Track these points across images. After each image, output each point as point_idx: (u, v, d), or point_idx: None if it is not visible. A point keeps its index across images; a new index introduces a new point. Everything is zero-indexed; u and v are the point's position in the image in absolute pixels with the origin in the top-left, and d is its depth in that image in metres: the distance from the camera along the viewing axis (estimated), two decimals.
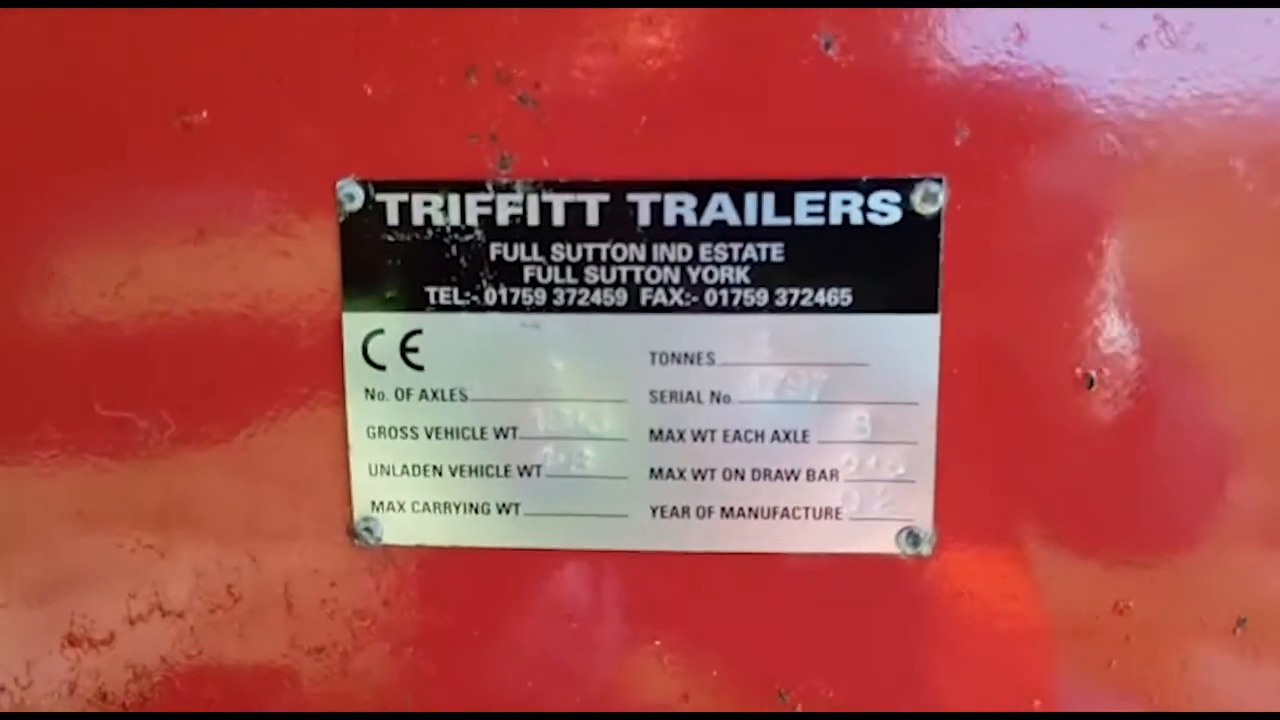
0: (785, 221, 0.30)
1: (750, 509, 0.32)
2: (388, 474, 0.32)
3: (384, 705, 0.34)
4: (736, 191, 0.30)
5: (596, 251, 0.30)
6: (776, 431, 0.31)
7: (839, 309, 0.30)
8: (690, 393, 0.31)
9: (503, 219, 0.31)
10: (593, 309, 0.31)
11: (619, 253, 0.30)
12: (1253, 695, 0.32)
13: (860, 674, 0.32)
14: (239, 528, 0.33)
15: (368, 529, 0.32)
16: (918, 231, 0.29)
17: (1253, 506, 0.31)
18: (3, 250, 0.32)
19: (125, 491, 0.33)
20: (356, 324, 0.31)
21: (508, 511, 0.32)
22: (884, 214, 0.30)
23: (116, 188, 0.31)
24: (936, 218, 0.29)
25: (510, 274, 0.31)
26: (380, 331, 0.31)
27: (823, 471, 0.31)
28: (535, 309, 0.31)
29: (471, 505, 0.32)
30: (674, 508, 0.32)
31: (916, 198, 0.29)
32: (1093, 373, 0.30)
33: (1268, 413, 0.30)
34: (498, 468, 0.32)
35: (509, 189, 0.30)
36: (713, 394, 0.31)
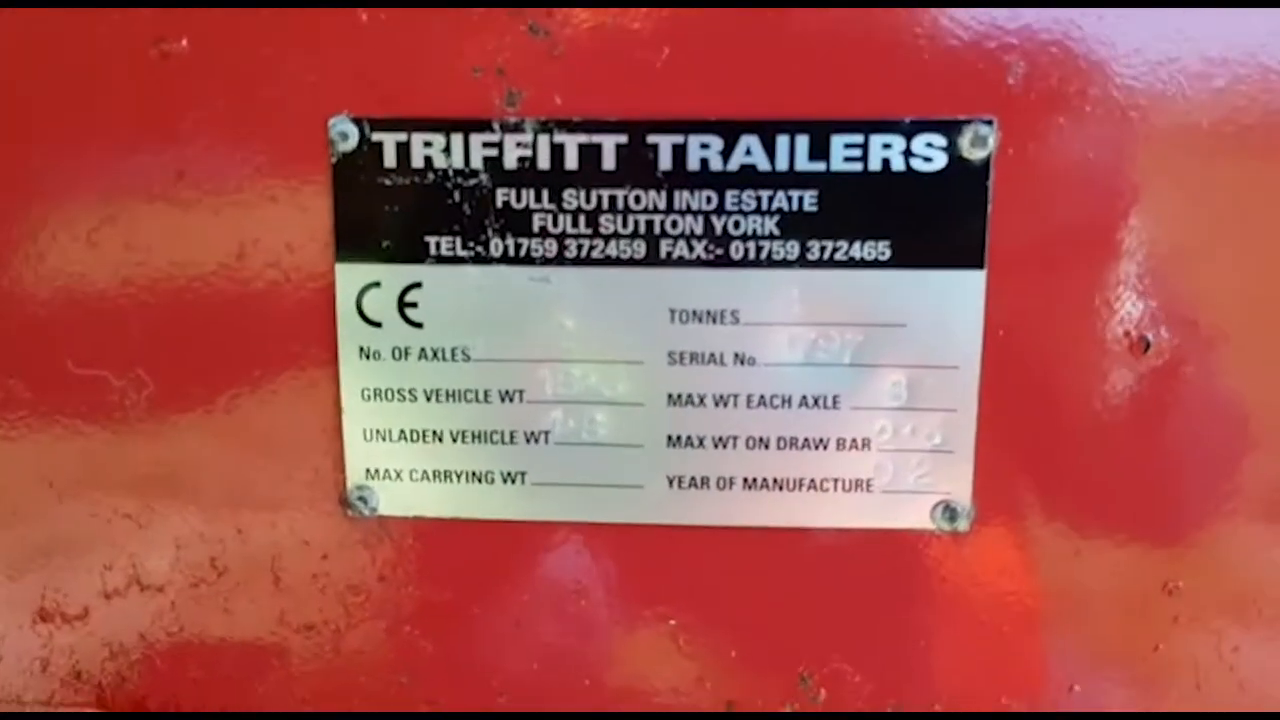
0: (820, 167, 0.27)
1: (775, 480, 0.29)
2: (384, 439, 0.30)
3: (379, 686, 0.32)
4: (767, 133, 0.27)
5: (612, 198, 0.28)
6: (805, 397, 0.29)
7: (876, 264, 0.28)
8: (712, 354, 0.29)
9: (510, 162, 0.28)
10: (607, 262, 0.28)
11: (637, 200, 0.28)
12: None
13: (888, 657, 0.30)
14: (223, 496, 0.31)
15: (362, 498, 0.30)
16: (965, 179, 0.27)
17: None
18: None
19: (100, 456, 0.31)
20: (350, 276, 0.29)
21: (513, 481, 0.30)
22: (928, 159, 0.27)
23: (87, 125, 0.29)
24: (986, 164, 0.27)
25: (518, 223, 0.28)
26: (376, 285, 0.29)
27: (854, 440, 0.29)
28: (545, 261, 0.28)
29: (474, 474, 0.30)
30: (692, 478, 0.29)
31: (964, 141, 0.27)
32: (1149, 335, 0.28)
33: None
34: (502, 433, 0.30)
35: (517, 128, 0.28)
36: (737, 355, 0.29)
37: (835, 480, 0.29)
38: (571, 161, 0.28)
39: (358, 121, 0.28)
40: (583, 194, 0.28)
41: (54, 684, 0.33)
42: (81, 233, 0.29)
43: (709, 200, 0.28)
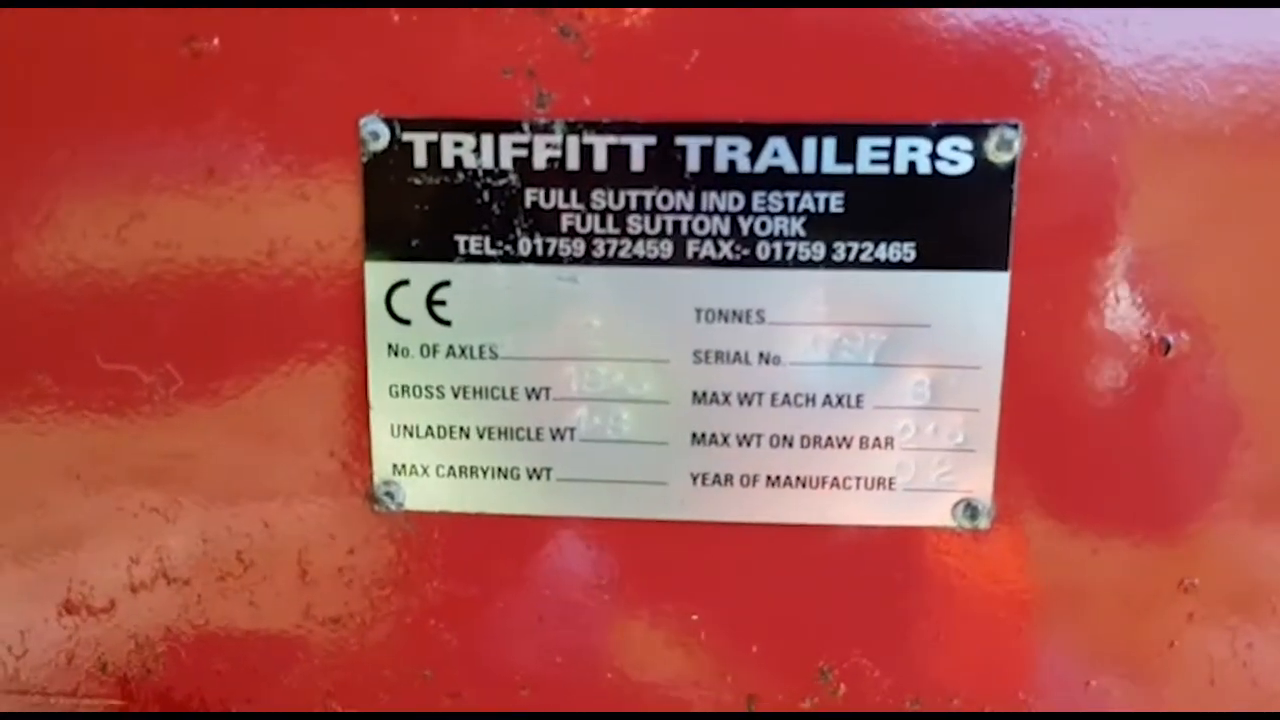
0: (846, 169, 0.28)
1: (798, 478, 0.30)
2: (411, 435, 0.30)
3: (402, 680, 0.32)
4: (794, 135, 0.28)
5: (640, 199, 0.28)
6: (829, 395, 0.29)
7: (901, 265, 0.28)
8: (737, 353, 0.29)
9: (539, 162, 0.28)
10: (635, 261, 0.29)
11: (665, 201, 0.28)
12: None
13: (908, 653, 0.31)
14: (250, 491, 0.31)
15: (389, 494, 0.31)
16: (990, 182, 0.27)
17: None
18: None
19: (128, 450, 0.31)
20: (380, 274, 0.29)
21: (538, 477, 0.30)
22: (954, 162, 0.27)
23: (118, 122, 0.29)
24: (1011, 167, 0.27)
25: (546, 222, 0.29)
26: (405, 283, 0.29)
27: (877, 439, 0.29)
28: (573, 260, 0.29)
29: (500, 470, 0.30)
30: (717, 475, 0.30)
31: (990, 145, 0.27)
32: (1170, 338, 0.28)
33: None
34: (529, 430, 0.30)
35: (547, 129, 0.28)
36: (761, 355, 0.29)
37: (858, 478, 0.30)
38: (600, 162, 0.28)
39: (388, 121, 0.28)
40: (611, 194, 0.28)
41: (79, 676, 0.33)
42: (112, 229, 0.30)
43: (736, 201, 0.28)
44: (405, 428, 0.30)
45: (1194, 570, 0.30)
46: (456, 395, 0.30)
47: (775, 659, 0.31)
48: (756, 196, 0.28)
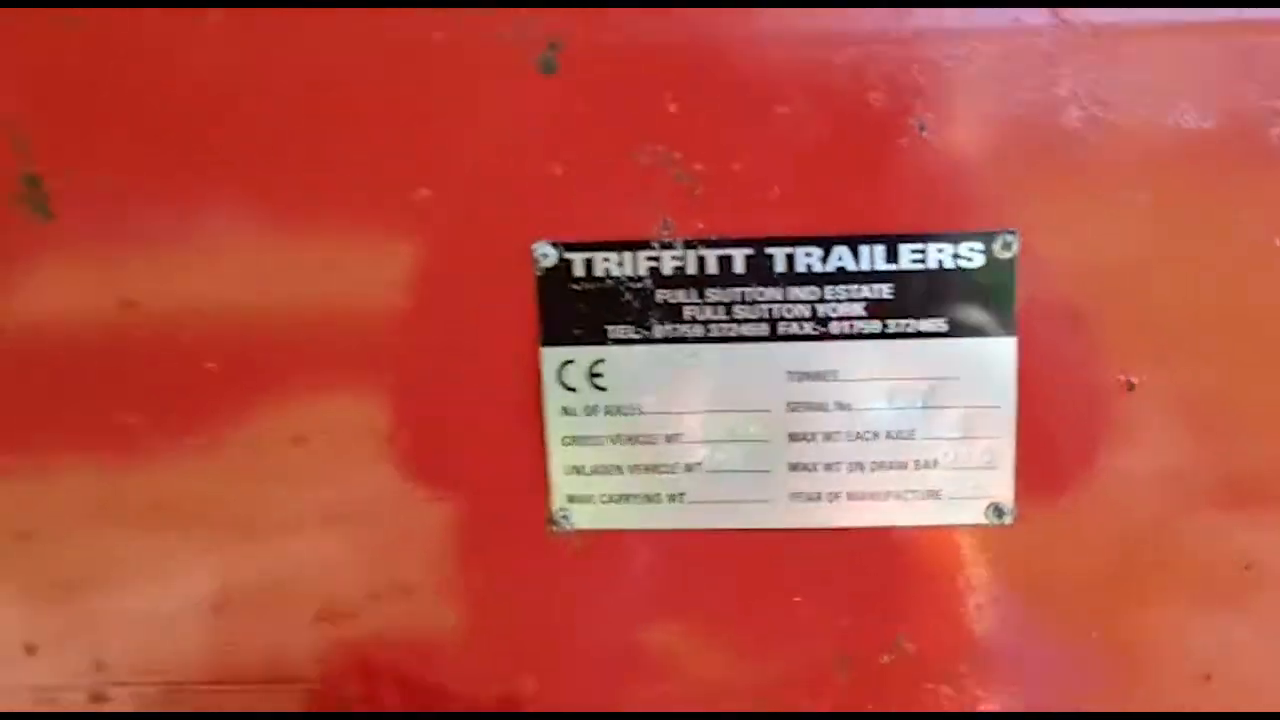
0: (893, 267, 0.36)
1: (869, 493, 0.37)
2: (579, 473, 0.38)
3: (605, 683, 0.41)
4: (854, 244, 0.36)
5: (743, 294, 0.36)
6: (889, 431, 0.37)
7: (936, 334, 0.36)
8: (820, 403, 0.37)
9: (667, 270, 0.36)
10: (740, 340, 0.37)
11: (761, 295, 0.36)
12: (1254, 643, 0.39)
13: (955, 624, 0.40)
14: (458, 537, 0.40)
15: (564, 517, 0.38)
16: (998, 272, 0.35)
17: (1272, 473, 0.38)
18: None
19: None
20: (552, 356, 0.37)
21: (675, 500, 0.38)
22: (970, 259, 0.35)
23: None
24: (1012, 261, 0.35)
25: (674, 314, 0.37)
26: (571, 361, 0.37)
27: (926, 462, 0.37)
28: (695, 340, 0.37)
29: (646, 496, 0.38)
30: (808, 494, 0.38)
31: (996, 246, 0.35)
32: (1133, 379, 0.37)
33: None
34: (667, 465, 0.38)
35: (670, 246, 0.36)
36: (837, 403, 0.37)
37: (913, 491, 0.38)
38: (712, 268, 0.36)
39: (555, 245, 0.36)
40: (721, 291, 0.36)
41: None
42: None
43: (813, 293, 0.36)
44: (575, 467, 0.38)
45: (1168, 560, 0.39)
46: (613, 442, 0.38)
47: (860, 627, 0.40)
48: (828, 289, 0.36)
